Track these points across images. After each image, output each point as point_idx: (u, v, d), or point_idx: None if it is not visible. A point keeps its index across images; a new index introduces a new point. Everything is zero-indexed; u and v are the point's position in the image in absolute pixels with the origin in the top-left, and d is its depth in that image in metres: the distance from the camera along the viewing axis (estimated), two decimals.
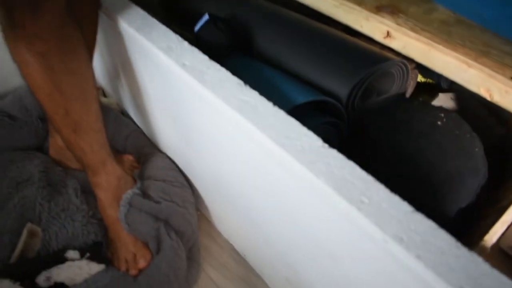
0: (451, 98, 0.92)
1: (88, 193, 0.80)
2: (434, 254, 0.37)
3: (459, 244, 0.37)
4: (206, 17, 0.79)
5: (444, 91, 0.96)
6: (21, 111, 0.92)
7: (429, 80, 1.03)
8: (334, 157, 0.46)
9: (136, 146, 0.94)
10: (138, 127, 1.02)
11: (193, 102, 0.65)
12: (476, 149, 0.58)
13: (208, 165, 0.74)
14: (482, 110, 0.98)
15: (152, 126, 0.92)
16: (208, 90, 0.57)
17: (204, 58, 0.63)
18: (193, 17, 0.97)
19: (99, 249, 0.76)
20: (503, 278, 0.35)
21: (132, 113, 1.04)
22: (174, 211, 0.77)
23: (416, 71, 0.90)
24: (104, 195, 0.76)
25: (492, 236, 0.49)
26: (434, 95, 0.94)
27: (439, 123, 0.61)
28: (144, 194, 0.77)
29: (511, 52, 0.70)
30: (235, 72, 0.59)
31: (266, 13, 0.86)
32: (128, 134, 0.96)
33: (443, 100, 0.91)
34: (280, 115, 0.52)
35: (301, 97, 0.61)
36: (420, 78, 1.02)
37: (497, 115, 1.01)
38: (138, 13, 0.74)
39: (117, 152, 0.94)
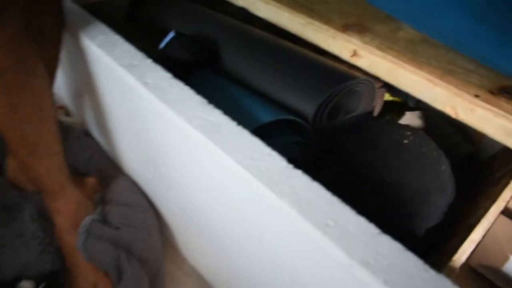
0: (418, 116, 0.93)
1: (45, 218, 0.76)
2: (402, 277, 0.35)
3: (427, 267, 0.36)
4: (171, 34, 0.77)
5: (411, 109, 0.96)
6: None
7: (396, 99, 1.04)
8: (299, 178, 0.44)
9: (99, 168, 0.90)
10: (101, 148, 0.98)
11: (155, 121, 0.62)
12: (443, 167, 0.58)
13: (172, 187, 0.71)
14: (449, 128, 0.99)
15: (116, 147, 0.89)
16: (170, 108, 0.55)
17: (168, 76, 0.61)
18: (160, 35, 0.95)
19: (56, 279, 0.71)
20: None
21: (96, 133, 1.00)
22: (136, 237, 0.73)
23: (383, 89, 0.90)
24: (62, 221, 0.72)
25: (461, 255, 0.48)
26: (401, 114, 0.94)
27: (406, 141, 0.60)
28: (104, 220, 0.73)
29: (475, 70, 0.71)
30: (199, 90, 0.58)
31: (233, 31, 0.85)
32: (91, 155, 0.92)
33: (410, 119, 0.91)
34: (244, 135, 0.50)
35: (266, 116, 0.60)
36: (387, 97, 1.02)
37: (463, 132, 1.02)
38: (101, 29, 0.72)
39: (78, 175, 0.90)
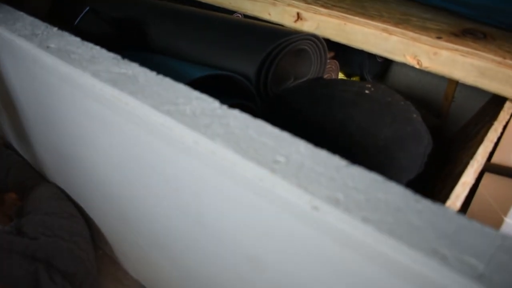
0: None
1: None
2: (386, 213, 0.24)
3: (418, 197, 0.26)
4: (86, 9, 0.66)
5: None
6: None
7: (353, 79, 0.97)
8: (236, 117, 0.34)
9: (18, 180, 0.77)
10: (21, 158, 0.84)
11: (62, 94, 0.51)
12: (414, 115, 0.49)
13: (96, 180, 0.58)
14: (412, 101, 0.91)
15: (35, 152, 0.76)
16: (74, 68, 0.44)
17: (75, 39, 0.50)
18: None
19: None
20: (487, 229, 0.24)
21: (15, 143, 0.87)
22: (58, 247, 0.59)
23: (336, 61, 0.82)
24: None
25: (455, 201, 0.38)
26: None
27: (366, 92, 0.51)
28: (19, 232, 0.59)
29: (433, 18, 0.64)
30: None
31: (161, 10, 0.75)
32: (10, 167, 0.78)
33: None
34: (165, 82, 0.39)
35: (198, 73, 0.49)
36: (342, 75, 0.95)
37: (426, 106, 0.95)
38: (2, 8, 0.62)
39: None
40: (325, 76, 0.76)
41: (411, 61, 0.59)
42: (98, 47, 0.48)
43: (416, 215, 0.24)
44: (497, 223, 0.58)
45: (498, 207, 0.57)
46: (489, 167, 0.56)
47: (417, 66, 0.59)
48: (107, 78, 0.41)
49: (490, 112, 0.64)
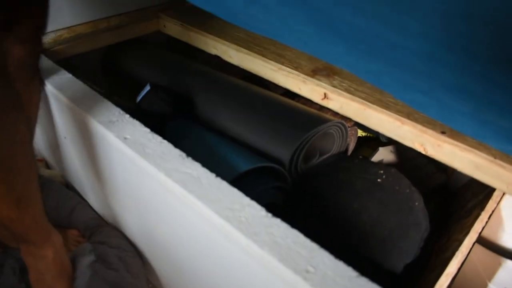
0: (391, 151, 0.96)
1: (26, 272, 0.75)
2: None
3: None
4: (148, 87, 0.79)
5: (384, 144, 1.00)
6: None
7: (369, 134, 1.08)
8: (278, 226, 0.46)
9: (81, 220, 0.90)
10: (83, 199, 0.98)
11: (136, 175, 0.64)
12: (416, 203, 0.61)
13: (155, 236, 0.72)
14: (422, 159, 1.02)
15: (98, 199, 0.89)
16: (150, 163, 0.56)
17: (146, 130, 0.63)
18: (135, 83, 0.98)
19: None
20: None
21: (77, 185, 1.01)
22: (129, 281, 0.73)
23: (356, 127, 0.94)
24: (49, 268, 0.70)
25: None
26: (375, 148, 0.98)
27: (379, 180, 0.63)
28: (102, 260, 0.73)
29: None
30: (177, 138, 0.59)
31: (208, 80, 0.88)
32: (73, 207, 0.92)
33: (384, 154, 0.95)
34: (223, 186, 0.52)
35: (244, 164, 0.62)
36: (360, 133, 1.06)
37: (436, 162, 1.06)
38: (80, 87, 0.75)
39: (60, 227, 0.89)
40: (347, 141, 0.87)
41: (418, 147, 0.71)
42: (166, 142, 0.60)
43: None
44: (483, 286, 0.69)
45: (484, 273, 0.69)
46: (479, 240, 0.68)
47: (423, 152, 0.70)
48: (177, 179, 0.53)
49: (485, 189, 0.74)
